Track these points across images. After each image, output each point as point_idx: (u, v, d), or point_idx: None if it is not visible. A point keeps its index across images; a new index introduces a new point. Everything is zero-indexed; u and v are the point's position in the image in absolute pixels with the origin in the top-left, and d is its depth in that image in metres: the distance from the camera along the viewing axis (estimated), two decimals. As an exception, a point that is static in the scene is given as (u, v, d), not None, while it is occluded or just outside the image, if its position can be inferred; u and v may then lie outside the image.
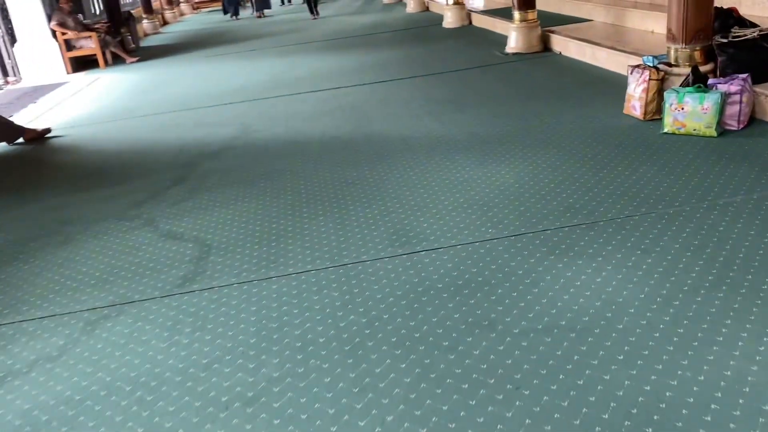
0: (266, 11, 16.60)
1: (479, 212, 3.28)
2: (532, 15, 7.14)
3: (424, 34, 9.90)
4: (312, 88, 6.88)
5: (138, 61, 10.67)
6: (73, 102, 7.87)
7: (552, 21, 7.70)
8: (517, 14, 7.16)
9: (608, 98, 5.01)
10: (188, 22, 17.94)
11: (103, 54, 10.71)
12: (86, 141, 5.82)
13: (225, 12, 16.97)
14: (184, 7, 20.34)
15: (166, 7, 18.14)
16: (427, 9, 13.04)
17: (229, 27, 14.72)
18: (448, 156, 4.18)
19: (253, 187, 4.06)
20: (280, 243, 3.22)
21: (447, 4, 10.15)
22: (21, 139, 5.91)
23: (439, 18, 11.14)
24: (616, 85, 5.40)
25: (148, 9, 15.41)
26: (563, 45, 6.92)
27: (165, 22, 18.08)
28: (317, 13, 14.63)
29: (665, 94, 4.10)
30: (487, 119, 4.90)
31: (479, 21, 9.79)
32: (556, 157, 3.92)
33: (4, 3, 9.94)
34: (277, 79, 7.67)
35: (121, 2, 15.13)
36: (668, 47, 4.64)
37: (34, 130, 6.00)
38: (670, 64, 4.58)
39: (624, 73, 5.64)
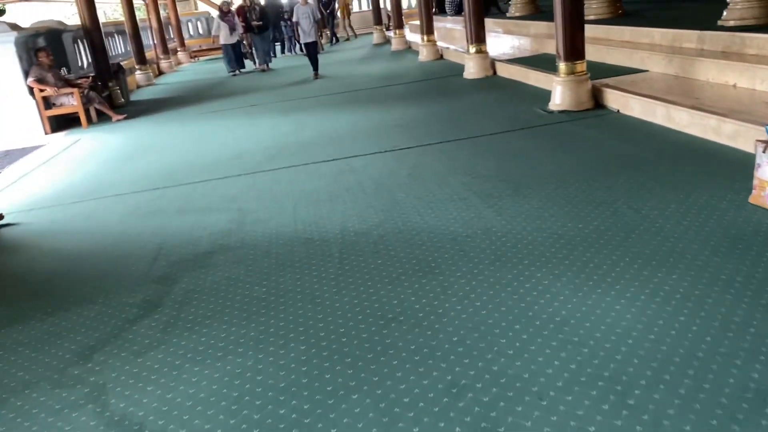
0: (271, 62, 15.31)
1: (609, 395, 2.07)
2: (581, 66, 6.06)
3: (444, 87, 8.85)
4: (323, 156, 5.75)
5: (125, 118, 9.60)
6: (43, 172, 6.73)
7: (597, 72, 6.61)
8: (563, 65, 6.08)
9: (716, 179, 3.85)
10: (185, 72, 17.03)
11: (87, 112, 9.65)
12: (41, 234, 4.64)
13: (230, 69, 14.10)
14: (181, 55, 19.51)
15: (161, 56, 17.25)
16: (442, 57, 12.07)
17: (228, 78, 13.77)
18: (525, 272, 2.99)
19: (249, 325, 2.86)
20: (294, 455, 2.00)
21: (469, 53, 9.13)
22: (-37, 230, 4.75)
23: (458, 68, 10.13)
24: (715, 158, 4.25)
25: (142, 60, 14.48)
26: (622, 101, 5.81)
27: (160, 72, 17.18)
28: (317, 73, 12.23)
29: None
30: (561, 207, 3.73)
31: (507, 71, 8.75)
32: (686, 279, 2.72)
33: (-25, 58, 8.92)
34: (281, 144, 6.55)
35: (112, 53, 14.24)
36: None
37: (-21, 218, 4.85)
38: (809, 137, 3.44)
39: (716, 140, 4.52)
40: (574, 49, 6.02)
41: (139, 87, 14.40)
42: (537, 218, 3.61)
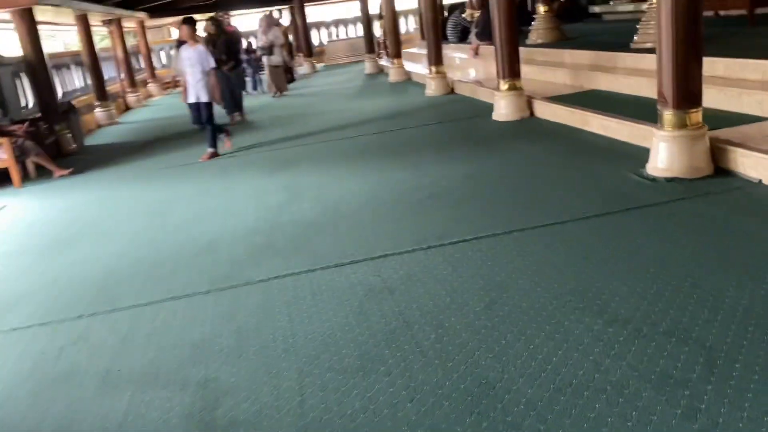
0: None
1: None
2: (696, 116, 4.29)
3: (473, 132, 7.04)
4: (335, 252, 3.86)
5: (70, 173, 7.66)
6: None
7: (708, 121, 4.80)
8: (670, 115, 4.29)
9: None
10: (156, 106, 15.09)
11: (23, 165, 7.71)
12: None
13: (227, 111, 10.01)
14: (152, 87, 17.58)
15: (128, 89, 15.33)
16: (452, 91, 10.32)
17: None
18: None
19: None
20: None
21: (500, 90, 7.36)
22: None
23: (479, 105, 8.40)
24: None
25: (102, 95, 12.55)
26: (762, 167, 4.04)
27: (127, 108, 15.24)
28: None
29: None
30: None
31: (549, 112, 6.98)
32: None
33: None
34: (270, 224, 4.66)
35: (67, 88, 12.31)
36: None
37: None
38: None
39: None
40: (688, 92, 4.24)
41: (100, 127, 12.48)
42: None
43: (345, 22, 25.34)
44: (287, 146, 7.72)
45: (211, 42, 9.48)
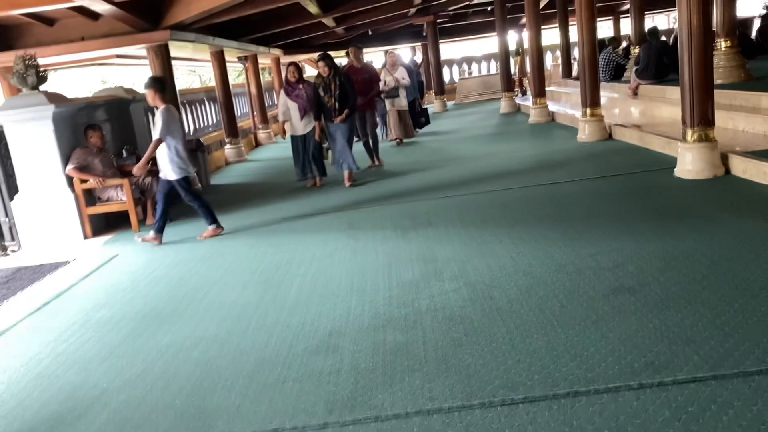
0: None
1: None
2: None
3: (649, 193, 5.67)
4: (493, 381, 2.75)
5: (170, 222, 7.12)
6: (21, 338, 4.23)
7: None
8: None
9: None
10: (284, 144, 14.78)
11: (144, 208, 7.33)
12: None
13: (300, 174, 8.37)
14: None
15: (259, 126, 15.24)
16: (610, 137, 8.96)
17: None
18: None
19: None
20: None
21: (686, 140, 5.97)
22: None
23: (652, 158, 7.08)
24: None
25: (233, 132, 12.38)
26: None
27: (257, 144, 15.16)
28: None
29: None
30: None
31: (757, 172, 5.49)
32: None
33: (2, 136, 6.83)
34: (403, 312, 3.64)
35: (199, 125, 12.26)
36: None
37: None
38: None
39: None
40: None
41: (228, 164, 12.30)
42: None
43: (474, 60, 24.48)
44: (418, 199, 6.75)
45: (323, 85, 7.61)
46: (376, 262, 4.73)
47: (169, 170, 5.96)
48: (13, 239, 6.99)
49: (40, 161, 6.75)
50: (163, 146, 5.89)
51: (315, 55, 8.97)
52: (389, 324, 3.53)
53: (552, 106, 12.60)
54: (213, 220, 6.22)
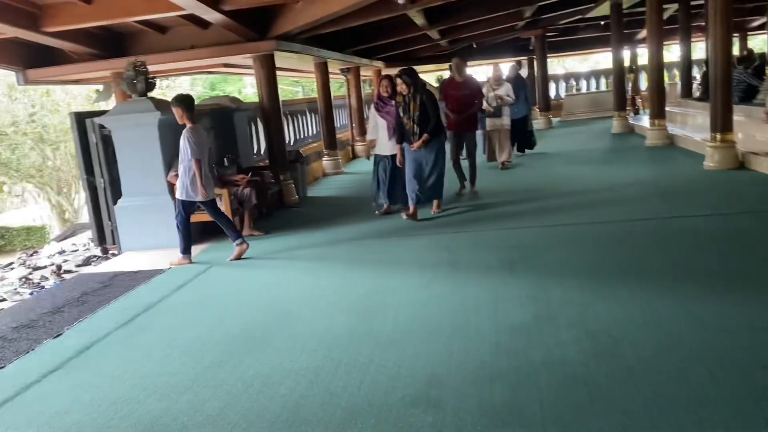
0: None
1: None
2: None
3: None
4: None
5: (263, 234, 6.98)
6: (110, 352, 4.11)
7: None
8: None
9: None
10: (381, 156, 14.68)
11: (241, 218, 7.24)
12: None
13: (377, 203, 7.61)
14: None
15: (357, 138, 15.14)
16: (742, 165, 8.03)
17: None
18: None
19: None
20: None
21: None
22: None
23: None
24: None
25: (332, 144, 12.30)
26: None
27: (354, 156, 15.07)
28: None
29: None
30: None
31: None
32: None
33: (110, 141, 6.94)
34: (512, 363, 3.16)
35: (300, 135, 12.25)
36: None
37: None
38: None
39: None
40: None
41: (325, 175, 12.22)
42: None
43: (579, 77, 23.45)
44: (523, 226, 6.22)
45: (403, 104, 6.68)
46: (479, 297, 4.27)
47: (178, 187, 5.95)
48: (114, 243, 7.09)
49: (143, 167, 6.81)
50: (183, 166, 5.82)
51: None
52: (498, 378, 3.07)
53: (669, 128, 11.63)
54: (185, 250, 6.04)
